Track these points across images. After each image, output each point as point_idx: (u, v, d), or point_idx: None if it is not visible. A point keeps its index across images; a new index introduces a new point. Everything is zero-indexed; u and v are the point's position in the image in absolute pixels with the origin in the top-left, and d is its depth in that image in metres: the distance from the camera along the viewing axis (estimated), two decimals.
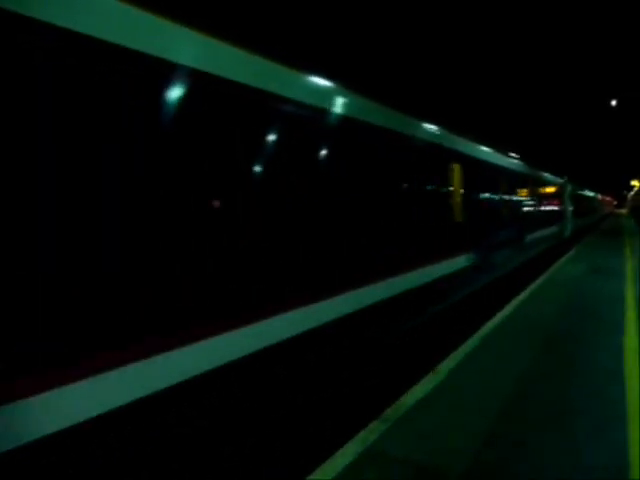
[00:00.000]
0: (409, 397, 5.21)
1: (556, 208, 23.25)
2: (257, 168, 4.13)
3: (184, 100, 3.51)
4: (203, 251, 3.56)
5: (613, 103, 33.77)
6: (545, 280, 13.14)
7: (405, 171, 7.19)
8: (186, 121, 3.53)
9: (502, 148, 13.36)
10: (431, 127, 8.30)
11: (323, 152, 5.09)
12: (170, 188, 3.31)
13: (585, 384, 5.50)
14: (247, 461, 4.02)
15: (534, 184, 17.88)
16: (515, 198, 14.55)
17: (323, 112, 5.11)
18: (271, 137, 4.32)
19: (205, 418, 3.56)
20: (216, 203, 3.71)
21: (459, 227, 9.13)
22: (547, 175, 21.57)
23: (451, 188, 8.91)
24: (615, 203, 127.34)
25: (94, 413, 2.77)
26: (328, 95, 5.24)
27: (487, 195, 11.35)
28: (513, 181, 14.21)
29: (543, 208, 19.77)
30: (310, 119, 4.87)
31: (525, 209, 16.22)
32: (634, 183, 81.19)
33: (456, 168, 9.07)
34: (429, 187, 8.02)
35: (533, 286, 12.24)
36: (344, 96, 5.49)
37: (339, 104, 5.37)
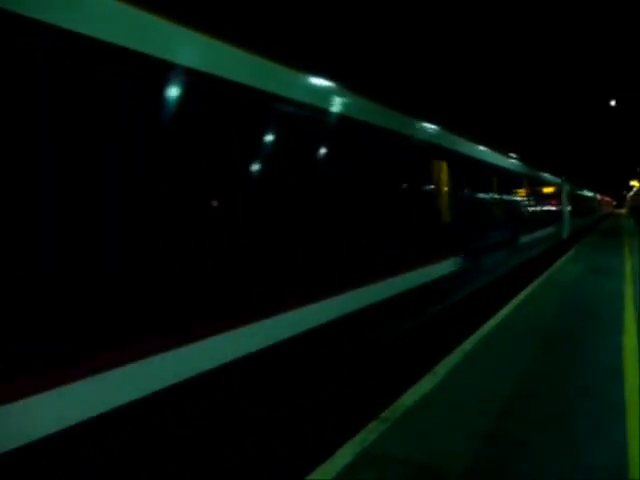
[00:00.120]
0: (408, 397, 5.20)
1: (554, 208, 22.71)
2: (246, 170, 4.11)
3: (184, 100, 3.51)
4: (201, 251, 3.55)
5: (612, 103, 33.80)
6: (543, 282, 12.94)
7: (379, 167, 6.41)
8: (186, 121, 3.52)
9: (494, 145, 12.70)
10: (411, 120, 7.57)
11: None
12: (164, 189, 3.29)
13: (585, 384, 5.50)
14: (246, 461, 4.01)
15: (530, 183, 17.34)
16: (508, 198, 13.90)
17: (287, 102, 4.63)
18: (264, 137, 4.31)
19: (204, 418, 3.56)
20: (211, 204, 3.70)
21: (443, 229, 8.44)
22: (544, 174, 21.01)
23: (434, 187, 8.20)
24: (614, 203, 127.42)
25: (92, 413, 2.76)
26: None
27: (476, 194, 10.69)
28: (506, 180, 13.52)
29: (540, 208, 19.22)
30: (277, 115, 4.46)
31: (519, 209, 15.61)
32: (633, 183, 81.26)
33: (439, 165, 8.38)
34: (408, 185, 7.27)
35: (528, 290, 11.75)
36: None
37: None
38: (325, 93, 5.34)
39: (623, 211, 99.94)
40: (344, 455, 4.02)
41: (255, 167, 4.14)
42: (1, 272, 2.42)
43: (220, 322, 3.64)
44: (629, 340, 7.07)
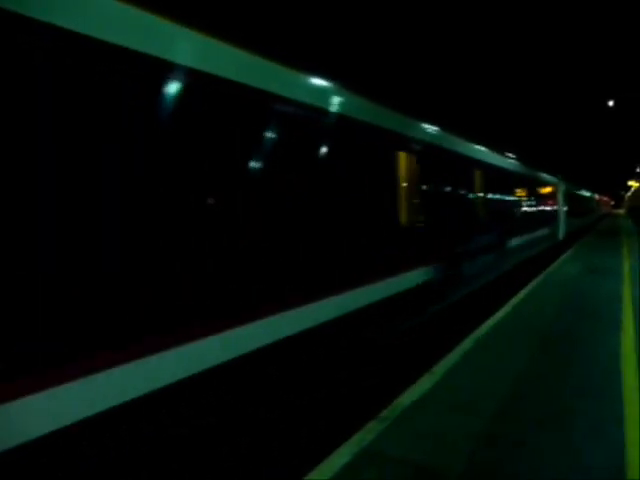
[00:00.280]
0: (406, 397, 5.20)
1: (549, 208, 21.73)
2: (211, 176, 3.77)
3: (183, 100, 3.50)
4: (194, 250, 3.55)
5: (610, 103, 33.85)
6: (535, 288, 12.20)
7: (323, 158, 5.24)
8: (186, 121, 3.52)
9: (478, 138, 11.44)
10: (364, 102, 6.19)
11: None
12: (154, 189, 3.26)
13: (582, 384, 5.50)
14: (244, 462, 4.01)
15: (522, 182, 16.16)
16: (496, 197, 12.60)
17: None
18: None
19: (200, 418, 3.55)
20: (202, 204, 3.66)
21: (409, 233, 7.19)
22: (538, 173, 19.82)
23: (397, 184, 6.89)
24: (612, 203, 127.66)
25: (89, 413, 2.76)
26: None
27: (455, 192, 9.40)
28: (493, 177, 12.16)
29: (533, 208, 18.10)
30: None
31: (509, 210, 14.34)
32: (631, 183, 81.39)
33: (404, 157, 7.11)
34: (356, 181, 5.87)
35: (516, 299, 10.56)
36: None
37: None
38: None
39: (621, 211, 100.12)
40: (342, 455, 4.01)
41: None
42: None
43: (210, 323, 3.62)
44: (627, 340, 7.08)
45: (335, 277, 5.31)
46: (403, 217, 7.06)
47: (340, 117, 5.50)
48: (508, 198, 14.15)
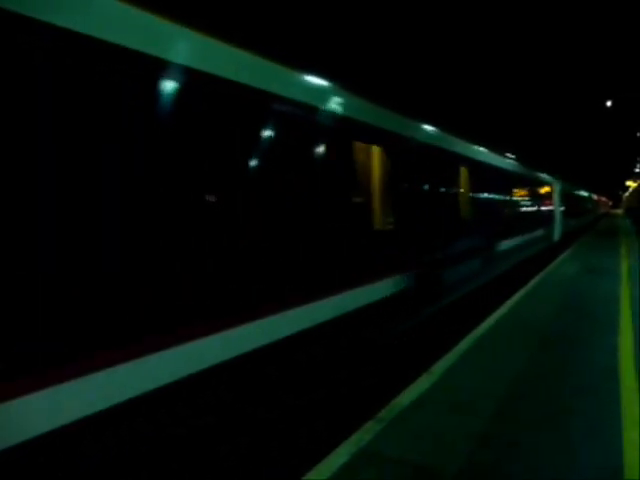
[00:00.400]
0: (404, 397, 5.20)
1: (543, 209, 20.80)
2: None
3: (183, 100, 3.50)
4: (187, 251, 3.54)
5: (608, 104, 33.90)
6: (525, 295, 11.37)
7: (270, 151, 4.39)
8: (185, 121, 3.51)
9: (462, 131, 10.46)
10: (311, 82, 5.11)
11: None
12: (141, 192, 3.19)
13: (580, 384, 5.50)
14: (242, 461, 4.00)
15: (514, 181, 15.18)
16: (484, 197, 11.58)
17: None
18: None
19: (199, 418, 3.54)
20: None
21: (373, 238, 6.20)
22: (532, 172, 18.83)
23: (355, 181, 5.90)
24: (611, 203, 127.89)
25: (87, 412, 2.75)
26: None
27: (432, 192, 8.25)
28: (481, 176, 11.13)
29: (527, 209, 17.33)
30: None
31: (499, 210, 13.27)
32: (629, 184, 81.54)
33: (365, 150, 6.21)
34: (319, 179, 5.09)
35: (503, 309, 9.53)
36: None
37: None
38: None
39: (619, 211, 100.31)
40: (339, 455, 4.01)
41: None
42: None
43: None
44: (625, 340, 7.09)
45: (259, 293, 4.15)
46: (363, 219, 5.99)
47: (278, 98, 4.43)
48: (498, 197, 13.12)
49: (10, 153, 2.50)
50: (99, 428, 2.83)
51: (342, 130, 5.56)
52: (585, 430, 4.40)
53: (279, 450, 4.45)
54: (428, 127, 8.31)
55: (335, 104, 5.45)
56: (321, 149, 5.18)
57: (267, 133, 4.32)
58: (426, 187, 7.96)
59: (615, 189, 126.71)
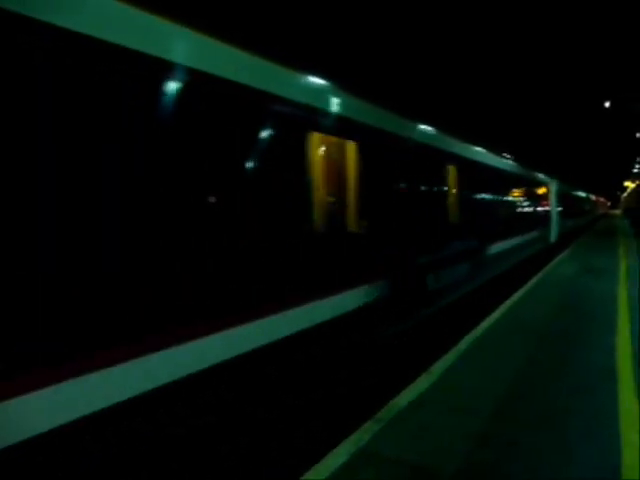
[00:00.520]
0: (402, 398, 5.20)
1: (539, 209, 20.33)
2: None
3: (183, 100, 3.51)
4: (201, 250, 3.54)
5: (607, 104, 33.96)
6: (523, 295, 11.17)
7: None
8: (184, 122, 3.52)
9: (449, 126, 9.69)
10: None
11: None
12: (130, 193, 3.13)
13: (578, 384, 5.51)
14: (240, 462, 4.00)
15: (507, 181, 14.53)
16: (475, 197, 10.97)
17: None
18: None
19: (197, 418, 3.55)
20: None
21: (352, 239, 5.76)
22: (527, 171, 18.22)
23: (320, 178, 5.21)
24: (609, 204, 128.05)
25: (86, 412, 2.76)
26: None
27: (414, 192, 7.55)
28: (472, 175, 10.44)
29: (520, 210, 16.73)
30: None
31: (490, 211, 12.46)
32: (627, 184, 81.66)
33: (330, 144, 5.53)
34: (256, 173, 4.27)
35: (489, 319, 8.60)
36: None
37: None
38: None
39: (618, 212, 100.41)
40: (338, 455, 4.01)
41: None
42: None
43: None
44: (623, 340, 7.10)
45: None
46: (329, 221, 5.32)
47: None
48: (489, 197, 12.41)
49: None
50: (95, 428, 2.83)
51: (298, 119, 4.81)
52: (583, 430, 4.41)
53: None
54: (408, 120, 7.58)
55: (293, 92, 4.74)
56: (272, 142, 4.42)
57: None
58: (406, 185, 7.27)
59: (613, 190, 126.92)
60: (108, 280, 2.95)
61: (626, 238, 27.57)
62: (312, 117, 5.06)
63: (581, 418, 4.64)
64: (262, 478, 4.17)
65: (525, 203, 17.58)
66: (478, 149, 11.60)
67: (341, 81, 5.73)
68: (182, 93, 3.53)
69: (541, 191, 20.83)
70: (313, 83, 5.19)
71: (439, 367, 6.13)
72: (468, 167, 10.37)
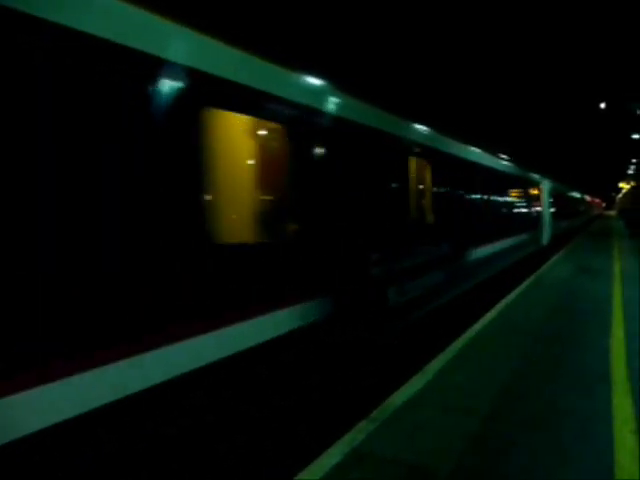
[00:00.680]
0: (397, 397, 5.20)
1: (529, 210, 19.45)
2: None
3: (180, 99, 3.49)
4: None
5: (602, 106, 34.09)
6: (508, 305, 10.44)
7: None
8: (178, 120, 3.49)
9: (423, 119, 8.54)
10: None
11: None
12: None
13: (572, 385, 5.53)
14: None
15: (493, 179, 13.30)
16: (452, 195, 9.79)
17: None
18: None
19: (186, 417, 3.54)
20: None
21: (272, 248, 4.62)
22: (516, 169, 17.12)
23: (241, 171, 4.67)
24: (604, 205, 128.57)
25: (80, 411, 2.74)
26: None
27: (372, 190, 6.42)
28: (445, 170, 9.24)
29: (508, 210, 15.80)
30: None
31: (472, 212, 11.22)
32: (622, 185, 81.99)
33: (252, 132, 4.79)
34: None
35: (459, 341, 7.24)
36: None
37: None
38: None
39: (613, 213, 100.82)
40: (332, 455, 4.01)
41: None
42: None
43: None
44: (616, 342, 7.13)
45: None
46: (248, 227, 4.54)
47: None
48: (471, 196, 11.27)
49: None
50: (88, 427, 2.82)
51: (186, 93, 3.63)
52: (577, 431, 4.42)
53: None
54: (359, 101, 6.27)
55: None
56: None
57: None
58: (355, 181, 5.97)
59: (608, 191, 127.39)
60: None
61: (621, 239, 27.67)
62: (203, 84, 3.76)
63: (575, 419, 4.66)
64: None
65: (513, 203, 16.72)
66: (456, 142, 10.35)
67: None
68: None
69: (532, 190, 20.17)
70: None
71: (432, 368, 6.13)
72: (446, 162, 9.35)
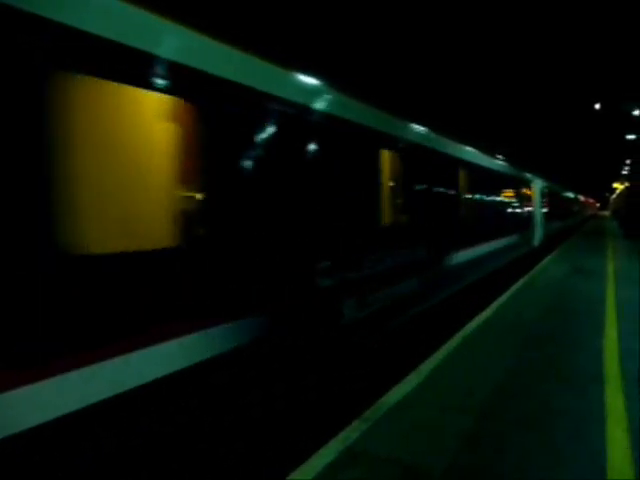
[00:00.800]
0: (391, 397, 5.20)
1: (519, 210, 18.66)
2: None
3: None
4: None
5: (597, 106, 34.22)
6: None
7: None
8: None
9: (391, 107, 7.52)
10: None
11: None
12: None
13: (566, 384, 5.54)
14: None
15: (476, 176, 12.11)
16: (427, 194, 8.66)
17: None
18: None
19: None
20: None
21: (197, 253, 3.78)
22: (504, 166, 16.20)
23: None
24: (598, 205, 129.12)
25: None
26: None
27: (326, 181, 5.49)
28: (421, 166, 8.36)
29: (494, 210, 14.70)
30: None
31: (451, 213, 10.10)
32: (616, 186, 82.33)
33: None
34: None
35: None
36: None
37: None
38: None
39: (607, 213, 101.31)
40: (326, 454, 4.00)
41: None
42: None
43: None
44: (609, 342, 7.16)
45: None
46: (149, 233, 3.49)
47: None
48: (452, 195, 10.21)
49: None
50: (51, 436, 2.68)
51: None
52: (570, 431, 4.43)
53: None
54: (300, 74, 5.19)
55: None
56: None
57: None
58: (295, 173, 5.01)
59: (603, 191, 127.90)
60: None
61: (615, 239, 27.80)
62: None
63: (568, 419, 4.67)
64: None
65: (501, 202, 15.87)
66: (434, 134, 9.29)
67: None
68: None
69: (523, 190, 19.41)
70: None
71: (426, 368, 6.14)
72: (421, 155, 8.40)
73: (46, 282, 2.72)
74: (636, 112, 27.94)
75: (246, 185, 4.27)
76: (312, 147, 5.29)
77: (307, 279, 5.07)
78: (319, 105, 5.43)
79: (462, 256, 10.23)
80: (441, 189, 9.48)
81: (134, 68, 3.24)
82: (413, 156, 7.99)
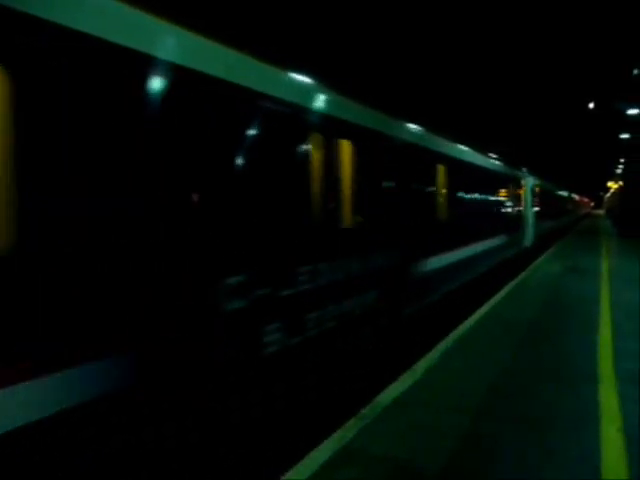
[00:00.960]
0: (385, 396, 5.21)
1: (509, 210, 17.58)
2: None
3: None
4: None
5: (591, 106, 34.34)
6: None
7: None
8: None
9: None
10: None
11: None
12: None
13: (560, 384, 5.56)
14: None
15: (458, 172, 10.84)
16: (394, 187, 7.54)
17: None
18: None
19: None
20: None
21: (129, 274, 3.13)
22: (491, 162, 15.19)
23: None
24: (592, 204, 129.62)
25: None
26: None
27: (248, 182, 4.32)
28: (394, 161, 7.50)
29: (479, 210, 13.44)
30: None
31: (426, 213, 8.90)
32: (610, 185, 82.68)
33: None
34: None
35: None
36: None
37: None
38: None
39: (601, 212, 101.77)
40: (322, 453, 4.00)
41: None
42: None
43: None
44: (603, 340, 7.20)
45: None
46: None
47: None
48: (426, 190, 9.02)
49: None
50: None
51: None
52: (565, 430, 4.45)
53: None
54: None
55: None
56: None
57: None
58: (221, 174, 4.04)
59: (597, 190, 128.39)
60: None
61: (609, 238, 27.92)
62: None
63: (563, 418, 4.69)
64: None
65: (487, 200, 14.61)
66: (405, 122, 8.29)
67: None
68: None
69: (513, 187, 18.21)
70: None
71: (421, 367, 6.14)
72: (394, 150, 7.49)
73: None
74: (630, 111, 28.03)
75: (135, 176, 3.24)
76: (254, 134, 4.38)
77: (203, 300, 3.77)
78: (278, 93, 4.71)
79: (437, 262, 9.04)
80: (411, 185, 8.19)
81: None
82: (375, 148, 6.85)
